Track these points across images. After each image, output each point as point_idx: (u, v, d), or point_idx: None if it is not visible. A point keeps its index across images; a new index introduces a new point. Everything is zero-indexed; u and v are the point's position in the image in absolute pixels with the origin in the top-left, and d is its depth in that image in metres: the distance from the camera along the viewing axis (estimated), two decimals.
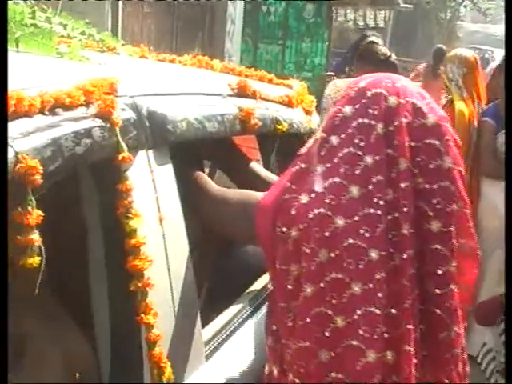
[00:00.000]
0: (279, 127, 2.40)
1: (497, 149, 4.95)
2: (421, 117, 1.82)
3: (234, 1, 12.34)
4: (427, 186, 1.79)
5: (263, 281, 2.42)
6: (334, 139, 1.78)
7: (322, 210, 1.72)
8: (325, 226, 1.71)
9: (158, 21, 10.94)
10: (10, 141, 1.36)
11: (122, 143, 1.65)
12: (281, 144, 2.61)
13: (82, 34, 2.32)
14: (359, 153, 1.75)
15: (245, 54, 12.49)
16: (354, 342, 1.70)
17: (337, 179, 1.74)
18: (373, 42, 5.16)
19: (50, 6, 2.33)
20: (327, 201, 1.72)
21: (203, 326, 2.02)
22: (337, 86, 1.85)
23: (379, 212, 1.73)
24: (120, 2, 9.56)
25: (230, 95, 2.25)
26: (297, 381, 1.74)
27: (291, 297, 1.75)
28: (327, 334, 1.70)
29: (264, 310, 2.29)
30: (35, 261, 1.39)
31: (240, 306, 2.26)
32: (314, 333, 1.71)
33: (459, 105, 5.13)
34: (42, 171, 1.39)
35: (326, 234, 1.71)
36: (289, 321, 1.75)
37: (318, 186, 1.75)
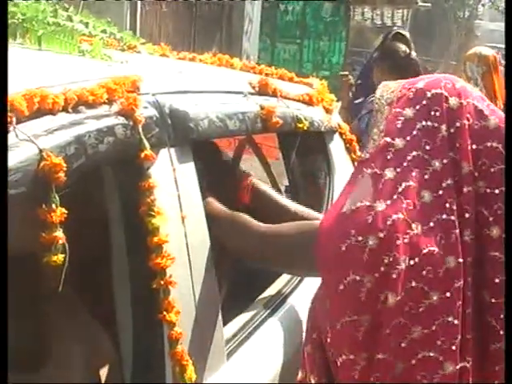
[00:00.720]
0: (300, 125, 2.39)
1: None
2: (482, 119, 1.78)
3: (251, 0, 12.33)
4: (488, 190, 1.74)
5: (284, 279, 2.41)
6: (400, 142, 1.73)
7: (400, 215, 1.66)
8: (404, 232, 1.65)
9: (176, 20, 10.95)
10: (33, 138, 1.36)
11: (145, 141, 1.65)
12: (301, 142, 2.61)
13: (104, 32, 2.31)
14: (426, 156, 1.71)
15: (263, 53, 12.51)
16: (432, 354, 1.66)
17: (411, 183, 1.69)
18: (398, 35, 5.10)
19: (70, 5, 2.33)
20: (404, 205, 1.67)
21: (224, 324, 2.02)
22: (389, 88, 1.81)
23: (452, 217, 1.69)
24: (139, 2, 9.57)
25: (252, 93, 2.25)
26: None
27: (365, 309, 1.66)
28: (403, 344, 1.66)
29: (285, 308, 2.28)
30: (59, 258, 1.39)
31: (261, 304, 2.26)
32: (392, 343, 1.66)
33: None
34: (65, 169, 1.39)
35: (406, 240, 1.65)
36: (360, 335, 1.67)
37: (393, 192, 1.69)
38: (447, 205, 1.69)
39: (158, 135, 1.73)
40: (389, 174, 1.69)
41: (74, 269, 1.51)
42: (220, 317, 1.93)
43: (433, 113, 1.75)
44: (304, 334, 1.98)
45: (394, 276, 1.63)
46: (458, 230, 1.68)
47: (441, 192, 1.70)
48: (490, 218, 1.73)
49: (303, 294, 2.38)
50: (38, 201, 1.38)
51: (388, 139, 1.74)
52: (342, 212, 1.70)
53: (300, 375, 1.95)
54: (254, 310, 2.21)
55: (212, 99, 2.05)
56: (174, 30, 10.87)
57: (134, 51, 2.47)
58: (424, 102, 1.76)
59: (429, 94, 1.77)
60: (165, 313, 1.66)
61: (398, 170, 1.70)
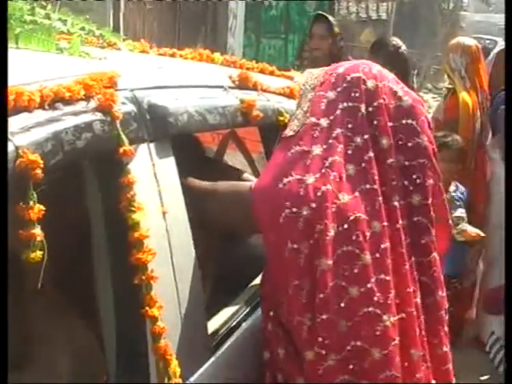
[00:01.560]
0: (281, 118, 2.39)
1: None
2: (397, 99, 1.99)
3: None
4: (407, 163, 1.96)
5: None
6: (324, 122, 1.91)
7: (329, 186, 1.82)
8: (333, 201, 1.82)
9: (161, 17, 10.92)
10: (10, 136, 1.36)
11: (123, 136, 1.65)
12: None
13: (82, 29, 2.31)
14: (349, 133, 1.90)
15: (248, 48, 12.48)
16: (370, 309, 1.80)
17: (336, 158, 1.86)
18: (320, 17, 5.34)
19: (48, 3, 2.33)
20: (331, 178, 1.83)
21: (208, 318, 2.02)
22: (313, 74, 2.00)
23: (375, 186, 1.87)
24: (122, 0, 9.55)
25: (232, 87, 2.25)
26: (323, 351, 1.80)
27: (304, 273, 1.81)
28: (343, 304, 1.79)
29: None
30: (37, 255, 1.39)
31: (245, 298, 2.26)
32: (332, 304, 1.79)
33: (463, 95, 5.09)
34: (42, 165, 1.38)
35: (334, 209, 1.81)
36: (303, 298, 1.81)
37: (321, 166, 1.86)
38: (369, 176, 1.88)
39: (136, 130, 1.73)
40: (316, 150, 1.88)
41: (54, 266, 1.50)
42: (204, 311, 1.93)
43: (353, 94, 1.95)
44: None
45: (327, 241, 1.80)
46: (381, 198, 1.87)
47: (363, 164, 1.88)
48: (411, 188, 1.95)
49: None
50: (15, 198, 1.37)
51: (313, 119, 1.94)
52: (275, 185, 1.86)
53: (266, 355, 2.03)
54: (240, 303, 2.21)
55: (191, 94, 2.04)
56: (159, 27, 10.84)
57: (113, 48, 2.47)
58: (344, 85, 1.96)
59: (348, 78, 1.97)
60: (147, 308, 1.66)
61: (325, 146, 1.89)
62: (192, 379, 1.82)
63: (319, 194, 1.82)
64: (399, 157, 1.95)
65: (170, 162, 1.85)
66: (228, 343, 2.02)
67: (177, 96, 1.94)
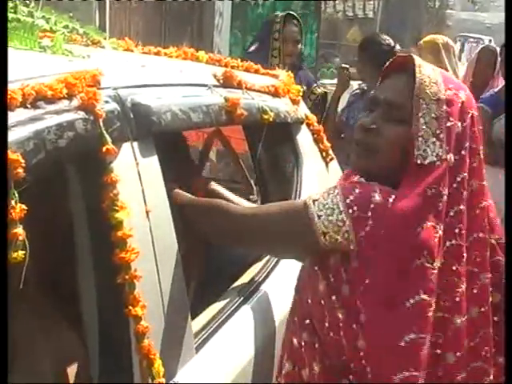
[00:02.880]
0: (265, 117, 2.39)
1: (492, 135, 4.91)
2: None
3: None
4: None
5: (252, 273, 2.41)
6: (452, 159, 1.77)
7: (453, 242, 1.77)
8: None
9: (147, 16, 10.89)
10: None
11: (106, 135, 1.64)
12: (268, 134, 2.60)
13: (66, 27, 2.30)
14: (468, 177, 1.80)
15: (234, 47, 12.46)
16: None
17: (461, 206, 1.78)
18: (289, 16, 5.17)
19: (32, 1, 2.31)
20: (456, 231, 1.77)
21: (195, 316, 2.02)
22: (429, 77, 1.79)
23: (482, 235, 1.86)
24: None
25: (216, 86, 2.25)
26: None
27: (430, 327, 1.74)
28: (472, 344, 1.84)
29: (254, 301, 2.28)
30: (19, 255, 1.38)
31: (232, 294, 2.25)
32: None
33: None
34: (24, 164, 1.38)
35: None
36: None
37: (446, 212, 1.77)
38: (481, 224, 1.86)
39: (119, 129, 1.72)
40: (444, 193, 1.75)
41: (37, 265, 1.50)
42: (188, 310, 1.93)
43: (471, 133, 1.83)
44: (285, 322, 2.00)
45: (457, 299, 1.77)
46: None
47: (477, 211, 1.85)
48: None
49: (275, 283, 2.39)
50: None
51: (450, 156, 1.78)
52: (413, 228, 1.71)
53: (288, 367, 1.94)
54: (225, 301, 2.21)
55: (175, 92, 2.04)
56: (145, 26, 10.81)
57: (97, 46, 2.46)
58: (468, 121, 1.82)
59: (470, 114, 1.83)
60: (130, 307, 1.66)
61: (451, 191, 1.76)
62: (176, 379, 1.81)
63: (447, 245, 1.76)
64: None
65: (154, 160, 1.84)
66: (212, 342, 2.02)
67: (160, 94, 1.93)
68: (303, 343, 1.88)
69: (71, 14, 2.43)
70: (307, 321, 1.86)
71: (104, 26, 9.02)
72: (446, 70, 5.21)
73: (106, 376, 1.72)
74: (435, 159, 1.74)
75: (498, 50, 5.48)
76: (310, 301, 1.85)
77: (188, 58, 2.68)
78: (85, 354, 1.79)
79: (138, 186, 1.75)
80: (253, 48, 5.21)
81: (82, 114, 1.60)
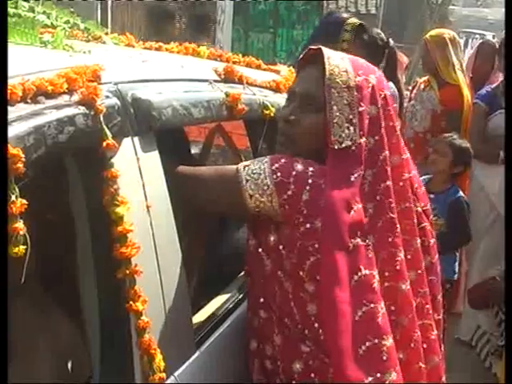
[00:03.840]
0: (267, 112, 2.39)
1: (487, 132, 4.90)
2: None
3: None
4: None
5: None
6: (371, 141, 1.94)
7: (387, 216, 1.95)
8: None
9: (148, 12, 10.89)
10: None
11: (106, 130, 1.64)
12: (269, 129, 2.60)
13: (67, 23, 2.29)
14: (389, 154, 1.96)
15: (236, 43, 12.46)
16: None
17: (388, 182, 1.95)
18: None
19: None
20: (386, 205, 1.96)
21: (194, 312, 2.02)
22: (338, 67, 1.91)
23: (409, 204, 2.04)
24: None
25: (217, 81, 2.24)
26: None
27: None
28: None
29: None
30: (20, 250, 1.38)
31: (231, 292, 2.26)
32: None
33: (465, 88, 5.17)
34: (24, 159, 1.37)
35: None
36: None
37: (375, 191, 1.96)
38: (407, 195, 2.05)
39: (120, 124, 1.72)
40: (369, 174, 1.96)
41: (38, 260, 1.50)
42: (189, 305, 1.93)
43: (387, 112, 1.99)
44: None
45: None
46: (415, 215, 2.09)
47: (401, 183, 2.03)
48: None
49: None
50: None
51: (365, 139, 1.93)
52: (344, 211, 1.87)
53: (253, 345, 2.05)
54: (226, 296, 2.21)
55: (176, 87, 2.03)
56: (146, 22, 10.81)
57: (99, 42, 2.45)
58: (382, 102, 1.98)
59: (382, 95, 1.98)
60: (131, 302, 1.66)
61: (375, 170, 1.94)
62: (177, 373, 1.81)
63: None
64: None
65: (155, 155, 1.84)
66: (213, 337, 2.02)
67: (161, 90, 1.93)
68: (261, 320, 1.99)
69: (72, 10, 2.43)
70: (261, 299, 1.99)
71: (106, 22, 9.02)
72: (453, 64, 5.21)
73: (107, 371, 1.72)
74: (350, 143, 1.88)
75: (498, 45, 5.47)
76: (261, 280, 1.98)
77: (189, 54, 2.67)
78: (86, 350, 1.79)
79: (139, 181, 1.75)
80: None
81: (82, 109, 1.60)
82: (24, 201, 1.40)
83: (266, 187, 1.87)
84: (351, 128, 1.88)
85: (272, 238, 1.91)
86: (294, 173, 1.86)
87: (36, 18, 2.13)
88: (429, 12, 22.64)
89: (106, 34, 2.52)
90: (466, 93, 5.15)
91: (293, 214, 1.84)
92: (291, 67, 3.00)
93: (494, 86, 5.03)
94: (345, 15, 4.37)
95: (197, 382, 1.87)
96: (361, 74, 1.95)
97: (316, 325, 1.87)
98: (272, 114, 2.41)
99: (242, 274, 2.36)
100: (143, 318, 1.67)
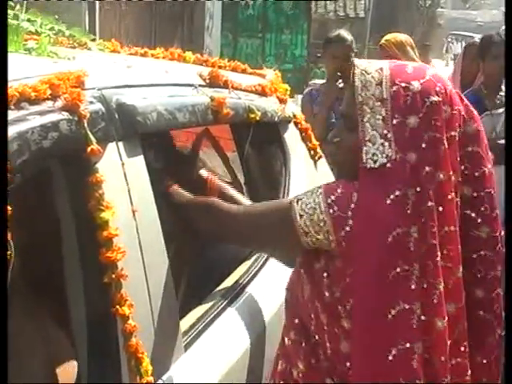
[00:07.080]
0: (252, 116, 2.40)
1: None
2: (463, 123, 1.83)
3: None
4: (475, 194, 1.83)
5: (240, 271, 2.42)
6: (412, 157, 1.72)
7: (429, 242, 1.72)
8: None
9: (137, 19, 10.91)
10: None
11: (90, 135, 1.65)
12: (255, 133, 2.61)
13: (51, 30, 2.30)
14: (433, 170, 1.73)
15: (225, 48, 12.49)
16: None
17: (429, 203, 1.71)
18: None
19: (18, 3, 2.32)
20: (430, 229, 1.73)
21: (183, 315, 2.02)
22: (368, 72, 1.73)
23: (454, 228, 1.78)
24: (97, 2, 9.52)
25: (202, 85, 2.25)
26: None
27: (416, 297, 1.71)
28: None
29: (243, 298, 2.29)
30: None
31: (218, 296, 2.26)
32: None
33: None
34: (8, 165, 1.38)
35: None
36: (414, 322, 1.71)
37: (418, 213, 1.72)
38: (454, 218, 1.77)
39: (104, 129, 1.73)
40: (410, 193, 1.71)
41: (23, 266, 1.50)
42: (177, 309, 1.93)
43: (433, 122, 1.74)
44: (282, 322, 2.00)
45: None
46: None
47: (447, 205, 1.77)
48: (479, 220, 1.84)
49: (261, 283, 2.40)
50: None
51: (402, 155, 1.73)
52: (384, 239, 1.70)
53: (280, 367, 1.97)
54: (213, 301, 2.22)
55: (161, 92, 2.04)
56: (135, 28, 10.83)
57: (84, 48, 2.46)
58: (425, 111, 1.74)
59: (428, 102, 1.74)
60: (117, 306, 1.66)
61: (418, 189, 1.72)
62: (164, 377, 1.82)
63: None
64: (465, 188, 1.83)
65: (140, 160, 1.85)
66: (200, 341, 2.03)
67: (146, 95, 1.94)
68: (291, 342, 1.92)
69: (57, 17, 2.43)
70: (296, 320, 1.90)
71: (94, 28, 9.02)
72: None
73: (95, 375, 1.73)
74: (385, 160, 1.71)
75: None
76: (299, 302, 1.89)
77: (175, 59, 2.68)
78: (73, 354, 1.80)
79: (124, 186, 1.76)
80: None
81: (66, 115, 1.60)
82: (9, 207, 1.40)
83: (322, 223, 1.75)
84: (386, 143, 1.72)
85: (317, 264, 1.81)
86: (352, 206, 1.72)
87: (20, 25, 2.13)
88: (418, 15, 22.71)
89: (93, 40, 2.53)
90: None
91: (350, 251, 1.73)
92: (277, 70, 3.01)
93: (476, 88, 4.97)
94: None
95: None
96: (398, 81, 1.75)
97: (348, 364, 1.77)
98: (258, 118, 2.42)
99: (230, 278, 2.37)
100: (130, 322, 1.68)
